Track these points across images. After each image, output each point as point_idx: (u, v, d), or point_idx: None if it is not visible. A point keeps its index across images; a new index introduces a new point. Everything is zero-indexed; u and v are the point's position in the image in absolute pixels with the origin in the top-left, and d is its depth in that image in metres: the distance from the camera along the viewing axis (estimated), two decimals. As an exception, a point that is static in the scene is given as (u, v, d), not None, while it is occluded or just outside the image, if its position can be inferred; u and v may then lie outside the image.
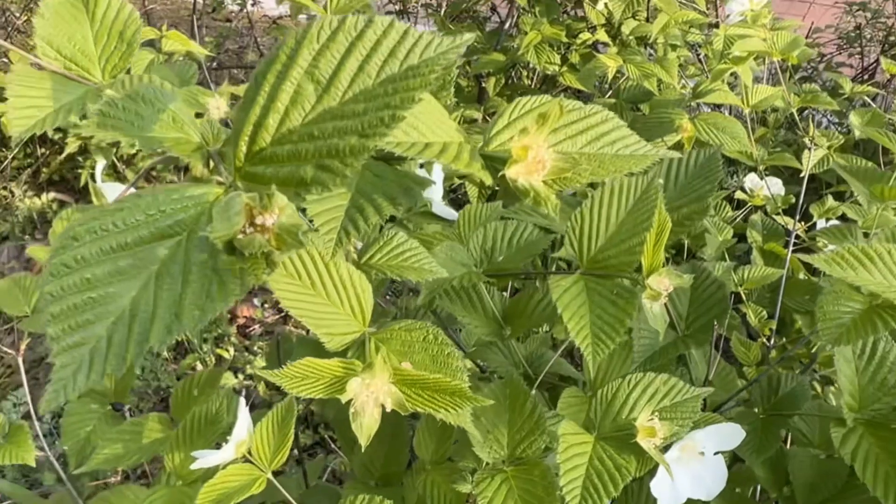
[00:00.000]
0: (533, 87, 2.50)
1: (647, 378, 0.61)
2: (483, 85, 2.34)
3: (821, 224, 1.55)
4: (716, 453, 0.72)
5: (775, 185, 1.58)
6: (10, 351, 0.83)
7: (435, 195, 0.96)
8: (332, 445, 1.97)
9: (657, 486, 0.69)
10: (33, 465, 0.81)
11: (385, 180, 0.42)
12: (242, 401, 0.73)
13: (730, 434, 0.70)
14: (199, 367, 2.36)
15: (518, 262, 0.75)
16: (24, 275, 0.86)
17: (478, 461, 0.75)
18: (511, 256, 0.76)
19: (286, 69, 0.31)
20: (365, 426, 0.45)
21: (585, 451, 0.57)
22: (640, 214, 0.66)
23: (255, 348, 2.46)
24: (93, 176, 0.84)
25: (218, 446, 0.74)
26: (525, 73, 2.65)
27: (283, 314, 2.66)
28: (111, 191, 0.90)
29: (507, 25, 2.46)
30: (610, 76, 1.59)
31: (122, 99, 0.39)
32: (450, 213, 0.97)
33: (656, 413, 0.58)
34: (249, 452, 0.72)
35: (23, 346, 0.82)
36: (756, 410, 0.76)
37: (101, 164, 0.92)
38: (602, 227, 0.67)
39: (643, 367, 0.75)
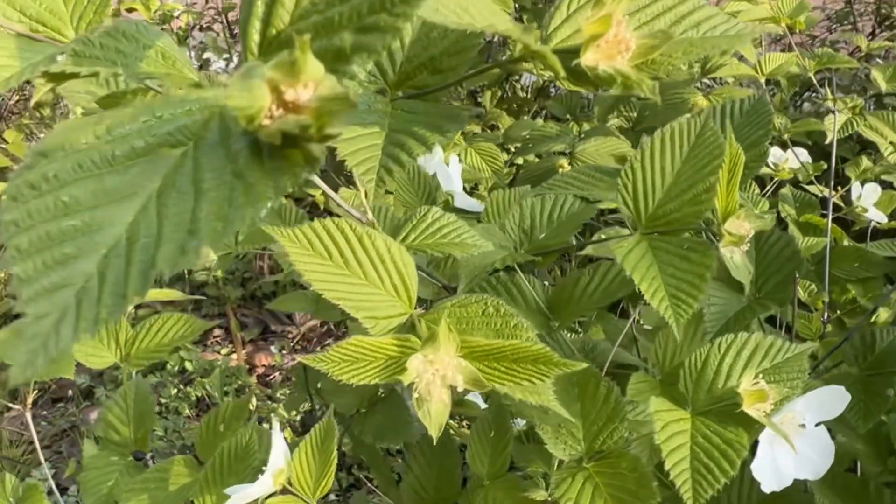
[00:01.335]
0: (528, 98, 2.45)
1: (739, 339, 0.53)
2: (479, 100, 2.28)
3: (856, 188, 1.47)
4: (817, 425, 0.63)
5: (802, 156, 1.50)
6: (16, 406, 0.75)
7: (456, 187, 0.89)
8: (370, 485, 1.87)
9: (759, 468, 0.60)
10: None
11: (421, 114, 0.35)
12: (277, 425, 0.65)
13: (833, 399, 0.61)
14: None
15: (563, 238, 0.67)
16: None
17: (548, 464, 0.66)
18: (554, 232, 0.68)
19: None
20: (434, 413, 0.37)
21: (685, 429, 0.49)
22: (700, 160, 0.58)
23: (278, 395, 2.38)
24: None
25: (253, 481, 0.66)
26: (519, 85, 2.60)
27: (307, 396, 2.57)
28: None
29: (495, 38, 2.41)
30: (615, 64, 1.52)
31: (99, 35, 0.32)
32: (474, 204, 0.89)
33: (760, 376, 0.50)
34: (289, 482, 0.64)
35: (29, 400, 0.75)
36: (853, 371, 0.67)
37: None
38: (657, 180, 0.59)
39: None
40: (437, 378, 0.37)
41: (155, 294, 0.80)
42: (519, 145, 1.72)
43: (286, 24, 0.24)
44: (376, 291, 0.44)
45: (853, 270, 1.34)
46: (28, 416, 0.74)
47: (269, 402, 2.34)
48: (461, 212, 0.87)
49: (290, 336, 2.69)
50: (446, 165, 0.88)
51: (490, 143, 1.52)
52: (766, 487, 0.61)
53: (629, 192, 0.59)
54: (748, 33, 0.33)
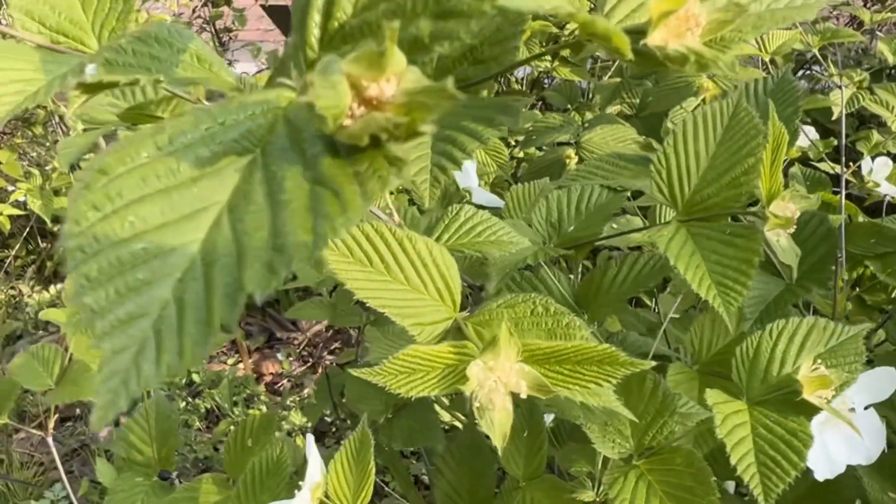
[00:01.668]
0: (523, 90, 2.43)
1: (791, 324, 0.51)
2: (478, 92, 2.26)
3: (867, 163, 1.45)
4: (866, 408, 0.61)
5: (811, 133, 1.49)
6: (37, 432, 0.73)
7: (473, 183, 0.87)
8: (387, 489, 1.85)
9: (812, 456, 0.58)
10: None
11: (470, 108, 0.33)
12: (311, 438, 0.63)
13: (883, 381, 0.59)
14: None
15: (593, 229, 0.65)
16: (41, 344, 0.77)
17: (592, 463, 0.64)
18: (583, 224, 0.66)
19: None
20: (497, 422, 0.35)
21: (744, 421, 0.47)
22: (735, 142, 0.56)
23: (288, 403, 2.36)
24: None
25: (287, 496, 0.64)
26: (514, 79, 2.58)
27: (309, 364, 2.56)
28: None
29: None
30: (616, 50, 1.50)
31: (130, 42, 0.30)
32: (493, 199, 0.87)
33: (818, 361, 0.48)
34: (326, 495, 0.62)
35: (51, 424, 0.72)
36: (897, 350, 0.65)
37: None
38: (692, 165, 0.57)
39: (757, 325, 0.65)
40: (499, 385, 0.35)
41: None
42: (521, 138, 1.70)
43: (349, 16, 0.22)
44: (420, 296, 0.42)
45: (870, 246, 1.32)
46: (49, 439, 0.72)
47: (280, 411, 2.33)
48: (480, 208, 0.85)
49: (295, 342, 2.67)
50: (462, 162, 0.86)
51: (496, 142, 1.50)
52: (820, 475, 0.59)
53: (663, 179, 0.57)
54: (813, 4, 0.31)
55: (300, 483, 0.61)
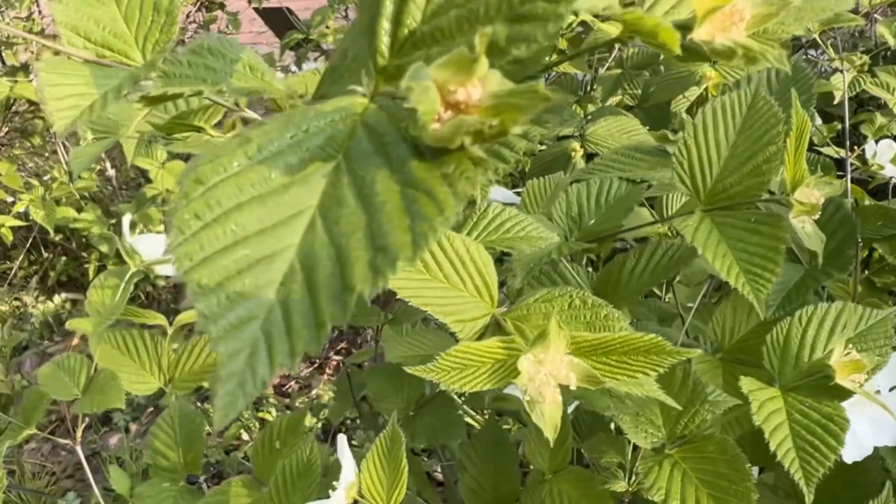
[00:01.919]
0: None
1: (820, 310, 0.52)
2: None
3: (870, 146, 1.46)
4: (891, 389, 0.62)
5: (814, 118, 1.50)
6: (67, 441, 0.73)
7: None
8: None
9: (838, 438, 0.59)
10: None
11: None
12: (343, 439, 0.64)
13: (906, 362, 0.60)
14: (245, 435, 2.27)
15: (614, 222, 0.66)
16: (67, 354, 0.77)
17: (622, 453, 0.65)
18: (604, 217, 0.67)
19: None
20: (548, 414, 0.36)
21: (780, 407, 0.48)
22: (755, 130, 0.57)
23: (297, 404, 2.37)
24: (118, 234, 0.75)
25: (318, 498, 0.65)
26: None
27: (316, 366, 2.56)
28: (146, 244, 0.81)
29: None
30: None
31: (185, 54, 0.30)
32: (509, 196, 0.88)
33: (850, 346, 0.48)
34: (360, 495, 0.63)
35: (79, 434, 0.73)
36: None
37: (127, 217, 0.84)
38: (713, 154, 0.58)
39: (779, 311, 0.66)
40: (549, 378, 0.35)
41: (136, 314, 0.79)
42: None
43: (419, 23, 0.22)
44: (459, 294, 0.43)
45: (877, 229, 1.33)
46: (78, 448, 0.73)
47: (289, 412, 2.33)
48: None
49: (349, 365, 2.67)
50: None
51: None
52: (848, 458, 0.60)
53: (685, 170, 0.58)
54: (850, -6, 0.32)
55: (334, 483, 0.61)
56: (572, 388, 0.36)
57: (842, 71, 1.46)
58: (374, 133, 0.21)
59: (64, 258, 3.00)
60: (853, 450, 0.61)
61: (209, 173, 0.19)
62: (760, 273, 0.51)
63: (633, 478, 0.60)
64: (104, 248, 2.70)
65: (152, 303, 2.66)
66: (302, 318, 0.17)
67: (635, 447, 0.61)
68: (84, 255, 2.97)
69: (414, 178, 0.19)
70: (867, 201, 1.42)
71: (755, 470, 0.79)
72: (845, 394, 0.47)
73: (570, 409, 0.89)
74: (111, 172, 2.90)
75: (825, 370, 0.48)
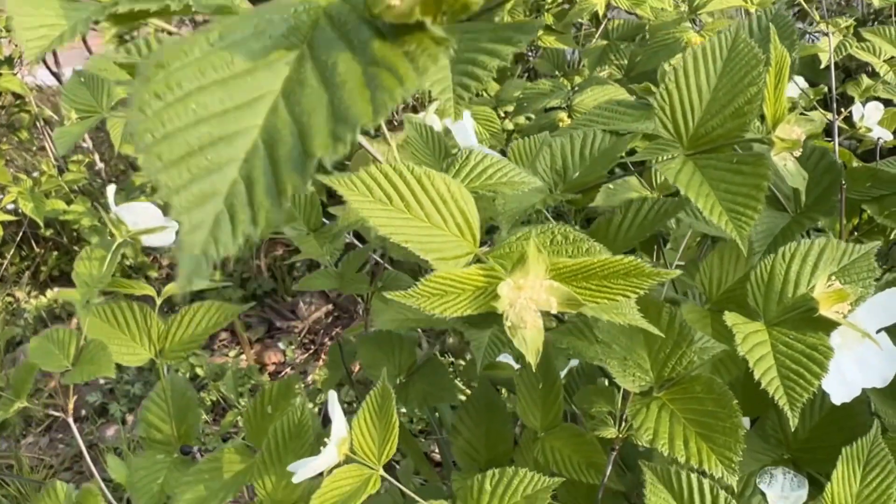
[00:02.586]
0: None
1: (803, 246, 0.52)
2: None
3: (857, 108, 1.46)
4: (878, 331, 0.62)
5: (800, 81, 1.50)
6: (58, 413, 0.73)
7: (472, 141, 0.88)
8: (398, 467, 1.87)
9: (826, 380, 0.59)
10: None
11: (485, 31, 0.33)
12: (333, 394, 0.64)
13: (893, 302, 0.60)
14: (241, 422, 2.27)
15: (598, 173, 0.66)
16: (55, 328, 0.77)
17: (611, 402, 0.65)
18: (588, 169, 0.67)
19: None
20: (530, 339, 0.36)
21: (764, 340, 0.48)
22: (736, 73, 0.57)
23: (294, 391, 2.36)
24: (105, 208, 0.75)
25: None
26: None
27: (311, 351, 2.56)
28: (132, 213, 0.81)
29: None
30: (601, 12, 1.51)
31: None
32: (494, 156, 0.88)
33: (833, 278, 0.49)
34: (352, 451, 0.63)
35: (70, 404, 0.73)
36: (904, 274, 0.66)
37: (111, 188, 0.83)
38: (695, 99, 0.58)
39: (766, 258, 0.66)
40: (529, 303, 0.35)
41: (123, 284, 0.79)
42: (511, 108, 1.70)
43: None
44: (441, 233, 0.43)
45: (866, 190, 1.33)
46: (70, 420, 0.73)
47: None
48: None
49: (296, 331, 2.67)
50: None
51: (485, 106, 1.51)
52: (836, 399, 0.61)
53: (667, 115, 0.58)
54: None
55: (325, 440, 0.61)
56: (553, 311, 0.36)
57: (828, 34, 1.45)
58: (336, 21, 0.21)
59: (55, 253, 2.99)
60: (841, 390, 0.61)
61: (170, 58, 0.19)
62: (743, 211, 0.51)
63: (623, 425, 0.60)
64: (95, 241, 2.69)
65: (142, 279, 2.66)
66: (264, 189, 0.17)
67: (625, 396, 0.61)
68: (76, 248, 2.96)
69: (375, 58, 0.19)
70: (855, 164, 1.43)
71: (746, 421, 0.80)
72: (830, 325, 0.48)
73: (563, 373, 0.90)
74: (100, 166, 2.88)
75: (809, 303, 0.48)
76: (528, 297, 0.35)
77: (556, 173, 0.68)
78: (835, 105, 1.41)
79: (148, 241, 0.80)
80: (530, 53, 2.37)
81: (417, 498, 0.63)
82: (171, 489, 0.79)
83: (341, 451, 0.62)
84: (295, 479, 0.61)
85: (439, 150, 0.86)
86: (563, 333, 0.64)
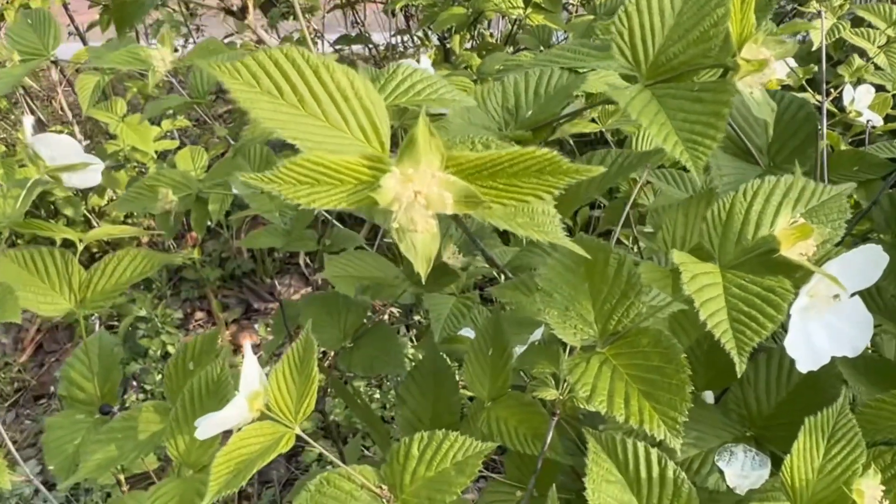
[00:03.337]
0: (497, 44, 2.37)
1: (767, 183, 0.46)
2: (448, 46, 2.20)
3: (848, 91, 1.41)
4: (851, 295, 0.56)
5: (790, 62, 1.44)
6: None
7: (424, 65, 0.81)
8: (367, 453, 1.81)
9: (792, 344, 0.53)
10: (8, 487, 0.65)
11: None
12: (248, 344, 0.57)
13: (869, 262, 0.53)
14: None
15: (552, 110, 0.60)
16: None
17: (556, 363, 0.59)
18: (542, 108, 0.61)
19: None
20: (420, 244, 0.29)
21: (716, 282, 0.42)
22: (704, -7, 0.51)
23: (267, 372, 2.29)
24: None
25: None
26: (488, 33, 2.52)
27: (286, 336, 2.50)
28: (46, 145, 0.74)
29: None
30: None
31: None
32: (428, 71, 0.82)
33: (798, 217, 0.42)
34: (268, 408, 0.57)
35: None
36: (886, 238, 0.60)
37: (28, 119, 0.77)
38: (656, 22, 0.52)
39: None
40: (419, 199, 0.29)
41: (108, 230, 0.72)
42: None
43: None
44: (340, 134, 0.36)
45: (853, 174, 1.28)
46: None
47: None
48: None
49: (273, 313, 2.61)
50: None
51: (464, 77, 1.44)
52: (803, 367, 0.54)
53: (625, 41, 0.52)
54: None
55: (235, 392, 0.55)
56: (448, 211, 0.29)
57: (821, 13, 1.40)
58: None
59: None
60: (808, 357, 0.55)
61: None
62: (700, 140, 0.45)
63: (566, 386, 0.54)
64: (69, 213, 2.62)
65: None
66: None
67: (571, 354, 0.55)
68: (53, 221, 2.90)
69: None
70: (843, 147, 1.37)
71: (709, 395, 0.74)
72: (791, 268, 0.41)
73: (525, 346, 0.84)
74: (80, 137, 2.82)
75: (769, 242, 0.42)
76: (419, 192, 0.29)
77: (507, 111, 0.62)
78: (824, 86, 1.35)
79: (70, 179, 0.73)
80: (519, 31, 2.31)
81: (336, 460, 0.56)
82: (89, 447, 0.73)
83: (254, 406, 0.56)
84: (198, 434, 0.55)
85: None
86: (505, 287, 0.58)
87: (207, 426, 0.54)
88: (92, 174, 0.73)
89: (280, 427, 0.55)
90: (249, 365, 0.56)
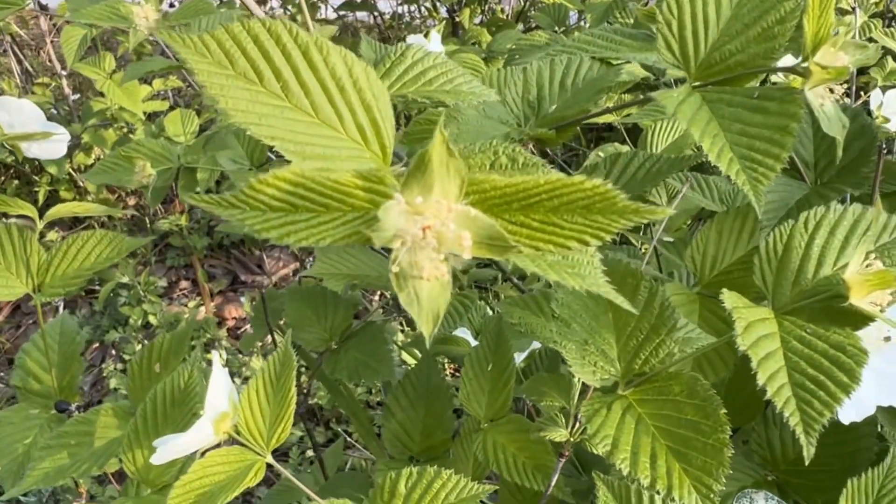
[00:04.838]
0: (508, 21, 2.28)
1: (832, 213, 0.39)
2: (457, 19, 2.10)
3: (876, 96, 1.33)
4: (902, 339, 0.49)
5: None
6: None
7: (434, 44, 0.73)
8: (349, 439, 1.74)
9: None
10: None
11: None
12: (216, 356, 0.50)
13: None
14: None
15: (579, 107, 0.52)
16: None
17: (566, 396, 0.52)
18: (568, 102, 0.53)
19: None
20: (425, 295, 0.22)
21: (773, 332, 0.34)
22: (768, -16, 0.43)
23: (250, 349, 2.23)
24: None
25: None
26: (499, 9, 2.43)
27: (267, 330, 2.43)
28: (4, 109, 0.66)
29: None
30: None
31: None
32: (441, 56, 0.74)
33: (872, 257, 0.35)
34: (237, 431, 0.50)
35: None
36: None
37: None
38: (711, 14, 0.44)
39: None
40: (429, 236, 0.21)
41: (72, 207, 0.64)
42: (503, 60, 1.55)
43: None
44: (332, 133, 0.29)
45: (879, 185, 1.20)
46: None
47: (240, 356, 2.20)
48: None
49: (261, 286, 2.54)
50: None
51: (473, 54, 1.36)
52: (845, 418, 0.48)
53: (673, 32, 0.44)
54: None
55: (200, 412, 0.48)
56: (466, 256, 0.22)
57: (854, 10, 1.32)
58: None
59: (16, 182, 2.84)
60: (852, 408, 0.48)
61: None
62: (762, 160, 0.37)
63: (577, 426, 0.47)
64: (53, 171, 2.53)
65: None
66: None
67: (584, 389, 0.48)
68: (37, 178, 2.81)
69: None
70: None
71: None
72: (861, 320, 0.34)
73: (521, 357, 0.77)
74: (68, 91, 2.71)
75: (836, 287, 0.35)
76: (428, 228, 0.21)
77: (527, 104, 0.54)
78: (854, 88, 1.27)
79: (30, 149, 0.65)
80: (532, 9, 2.22)
81: (314, 496, 0.49)
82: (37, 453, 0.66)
83: (220, 428, 0.49)
84: (154, 459, 0.48)
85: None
86: (515, 305, 0.51)
87: (165, 451, 0.47)
88: (55, 145, 0.65)
89: (249, 454, 0.48)
90: (217, 381, 0.48)
